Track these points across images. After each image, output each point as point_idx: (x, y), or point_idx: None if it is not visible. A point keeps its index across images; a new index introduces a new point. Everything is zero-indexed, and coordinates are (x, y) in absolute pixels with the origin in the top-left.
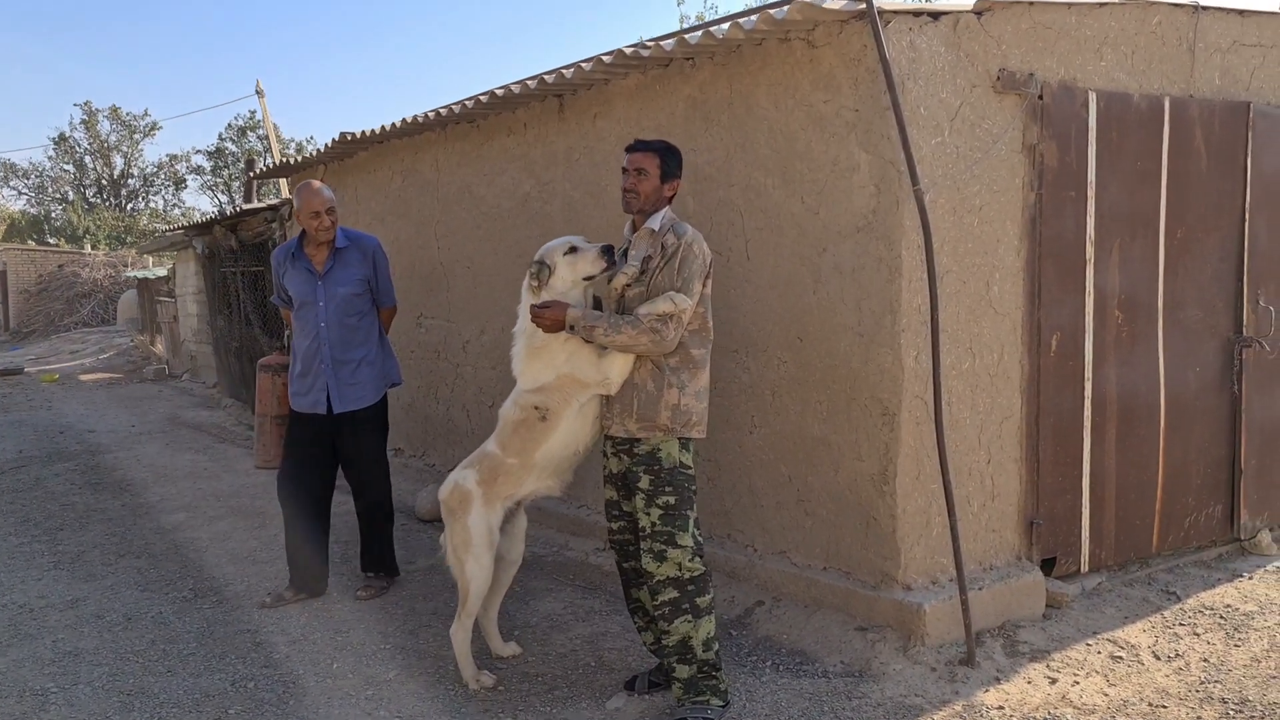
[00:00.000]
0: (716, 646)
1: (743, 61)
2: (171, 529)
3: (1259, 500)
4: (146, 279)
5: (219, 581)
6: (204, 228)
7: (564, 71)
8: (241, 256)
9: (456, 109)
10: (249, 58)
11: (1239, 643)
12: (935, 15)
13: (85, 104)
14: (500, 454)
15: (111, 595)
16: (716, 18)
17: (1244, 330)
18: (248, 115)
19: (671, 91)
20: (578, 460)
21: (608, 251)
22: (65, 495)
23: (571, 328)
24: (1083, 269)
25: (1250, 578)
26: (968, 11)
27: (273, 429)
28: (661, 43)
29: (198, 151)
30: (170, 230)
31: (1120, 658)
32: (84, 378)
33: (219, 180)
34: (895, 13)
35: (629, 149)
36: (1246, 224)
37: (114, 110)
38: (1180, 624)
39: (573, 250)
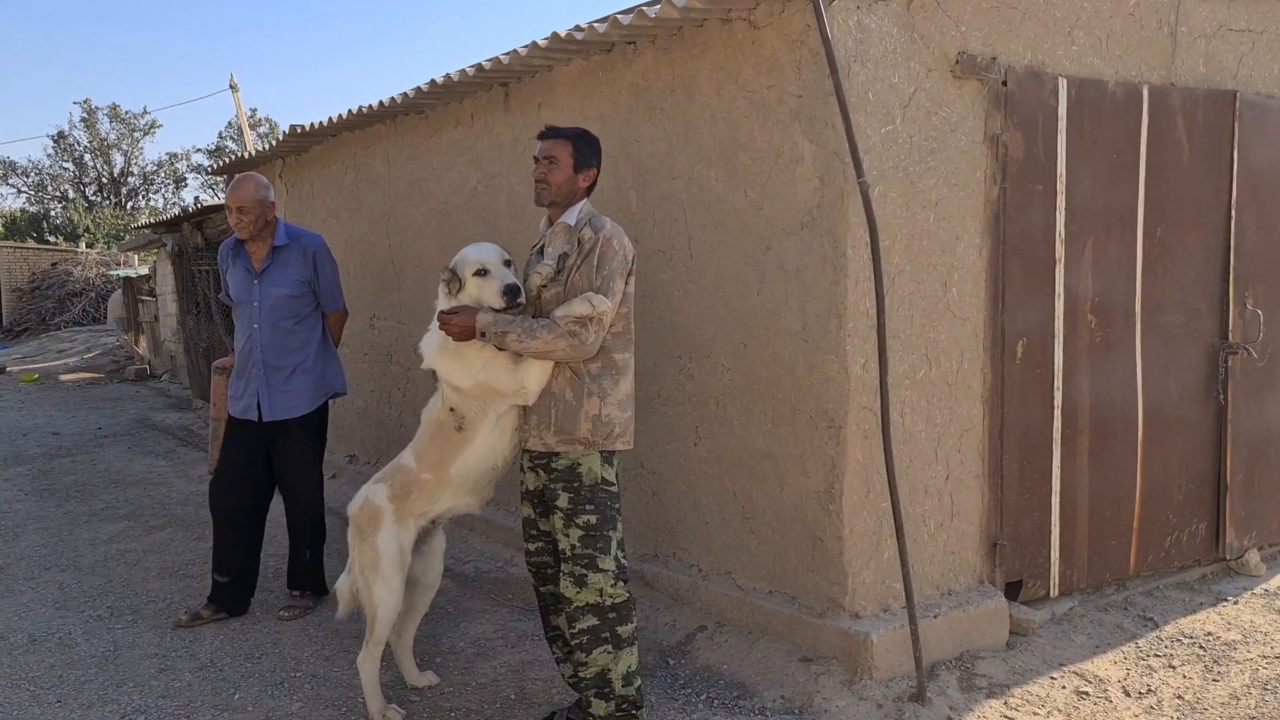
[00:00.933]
0: (638, 682)
1: (684, 45)
2: (108, 539)
3: (1246, 517)
4: (130, 278)
5: (142, 598)
6: (173, 225)
7: (502, 58)
8: (207, 254)
9: (400, 99)
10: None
11: (1218, 677)
12: None
13: (85, 102)
14: (415, 467)
15: (24, 613)
16: None
17: (1229, 335)
18: (250, 112)
19: (614, 79)
20: (496, 475)
21: (511, 293)
22: (9, 501)
23: (483, 334)
24: (1052, 269)
25: (1235, 602)
26: None
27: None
28: (598, 24)
29: (198, 150)
30: (139, 227)
31: (1087, 693)
32: (64, 377)
33: (220, 179)
34: None
35: (540, 136)
36: (1233, 221)
37: (114, 108)
38: (1155, 654)
39: (483, 273)
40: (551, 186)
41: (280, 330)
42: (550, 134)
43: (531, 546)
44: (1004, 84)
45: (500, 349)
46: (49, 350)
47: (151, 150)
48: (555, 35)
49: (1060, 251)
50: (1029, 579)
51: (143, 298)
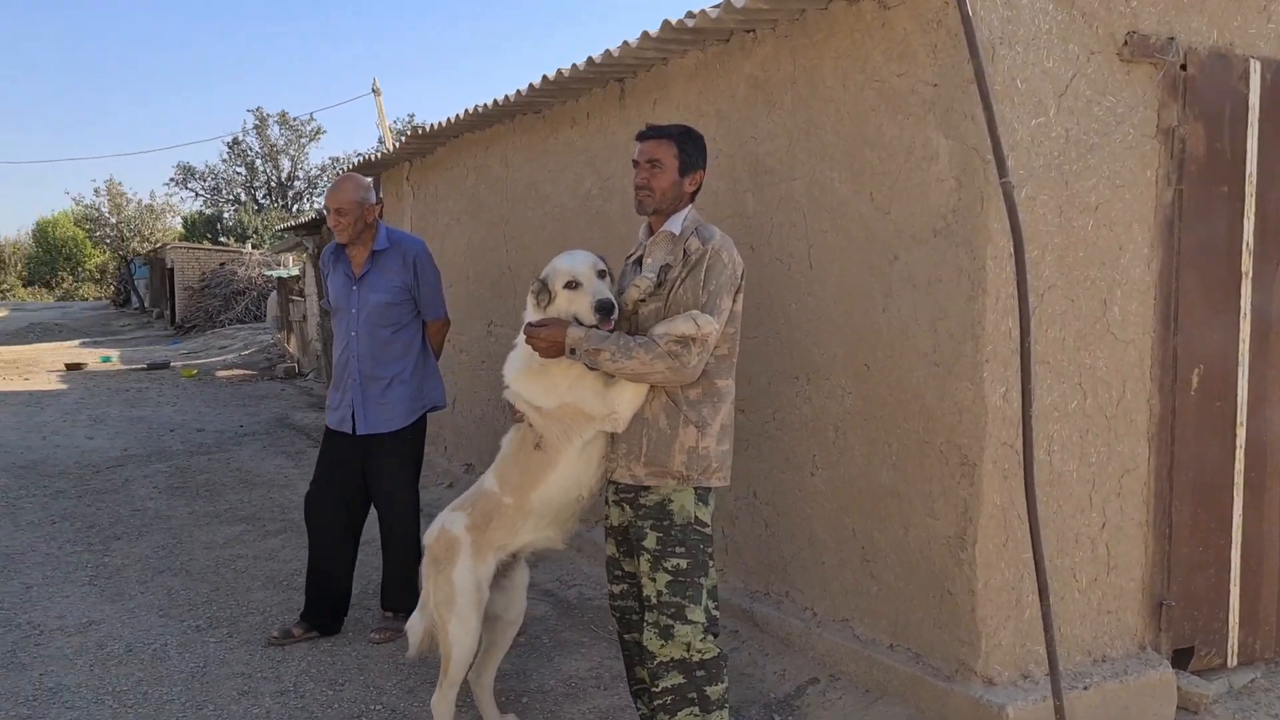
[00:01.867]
0: None
1: (807, 31)
2: (223, 543)
3: None
4: (283, 278)
5: (243, 608)
6: (313, 227)
7: (613, 51)
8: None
9: (514, 97)
10: (413, 57)
11: None
12: None
13: (257, 109)
14: (497, 491)
15: (128, 620)
16: None
17: None
18: (406, 118)
19: (732, 70)
20: (581, 507)
21: (603, 310)
22: (142, 499)
23: (572, 351)
24: (1237, 285)
25: None
26: None
27: None
28: (712, 10)
29: (358, 154)
30: (283, 230)
31: None
32: (220, 374)
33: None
34: None
35: (639, 136)
36: None
37: (283, 115)
38: None
39: (574, 285)
40: (655, 193)
41: (378, 339)
42: (651, 134)
43: (615, 589)
44: (1182, 68)
45: (591, 368)
46: (212, 346)
47: (316, 155)
48: (667, 23)
49: (1248, 264)
50: (1201, 645)
51: (293, 298)
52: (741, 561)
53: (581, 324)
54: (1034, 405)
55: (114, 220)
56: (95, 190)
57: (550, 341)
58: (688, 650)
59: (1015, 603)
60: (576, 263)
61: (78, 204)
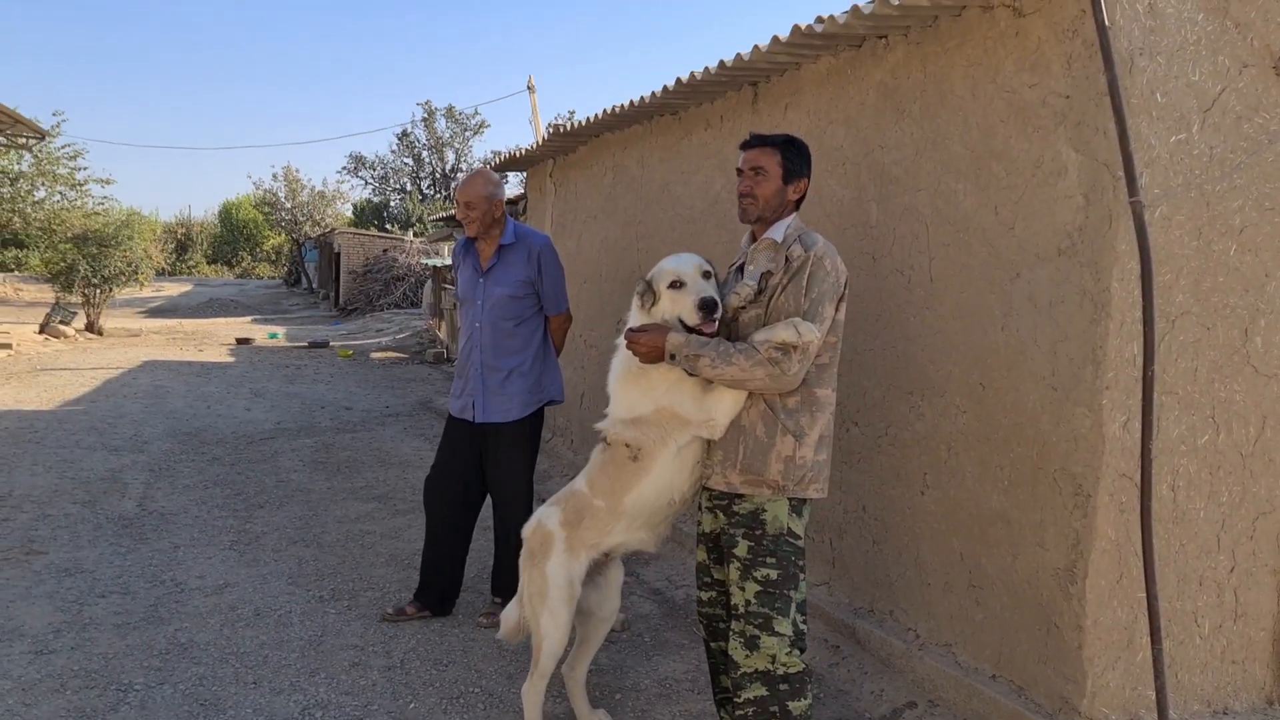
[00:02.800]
0: None
1: (938, 38)
2: (355, 518)
3: None
4: (437, 266)
5: (364, 583)
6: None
7: (744, 55)
8: None
9: (649, 99)
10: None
11: None
12: None
13: (426, 103)
14: (587, 493)
15: (259, 585)
16: None
17: None
18: (567, 114)
19: (863, 77)
20: (674, 511)
21: (706, 307)
22: (287, 471)
23: (672, 357)
24: None
25: None
26: None
27: None
28: (841, 16)
29: (520, 149)
30: (434, 220)
31: None
32: (374, 355)
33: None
34: None
35: (744, 145)
36: None
37: (449, 109)
38: None
39: (678, 285)
40: (759, 200)
41: (500, 330)
42: (755, 142)
43: (704, 595)
44: None
45: (691, 374)
46: (370, 329)
47: (479, 148)
48: (797, 29)
49: None
50: None
51: (445, 285)
52: (848, 576)
53: (685, 325)
54: (1157, 437)
55: (289, 205)
56: (274, 176)
57: (650, 346)
58: (772, 662)
59: (1127, 643)
60: (682, 263)
61: (257, 188)
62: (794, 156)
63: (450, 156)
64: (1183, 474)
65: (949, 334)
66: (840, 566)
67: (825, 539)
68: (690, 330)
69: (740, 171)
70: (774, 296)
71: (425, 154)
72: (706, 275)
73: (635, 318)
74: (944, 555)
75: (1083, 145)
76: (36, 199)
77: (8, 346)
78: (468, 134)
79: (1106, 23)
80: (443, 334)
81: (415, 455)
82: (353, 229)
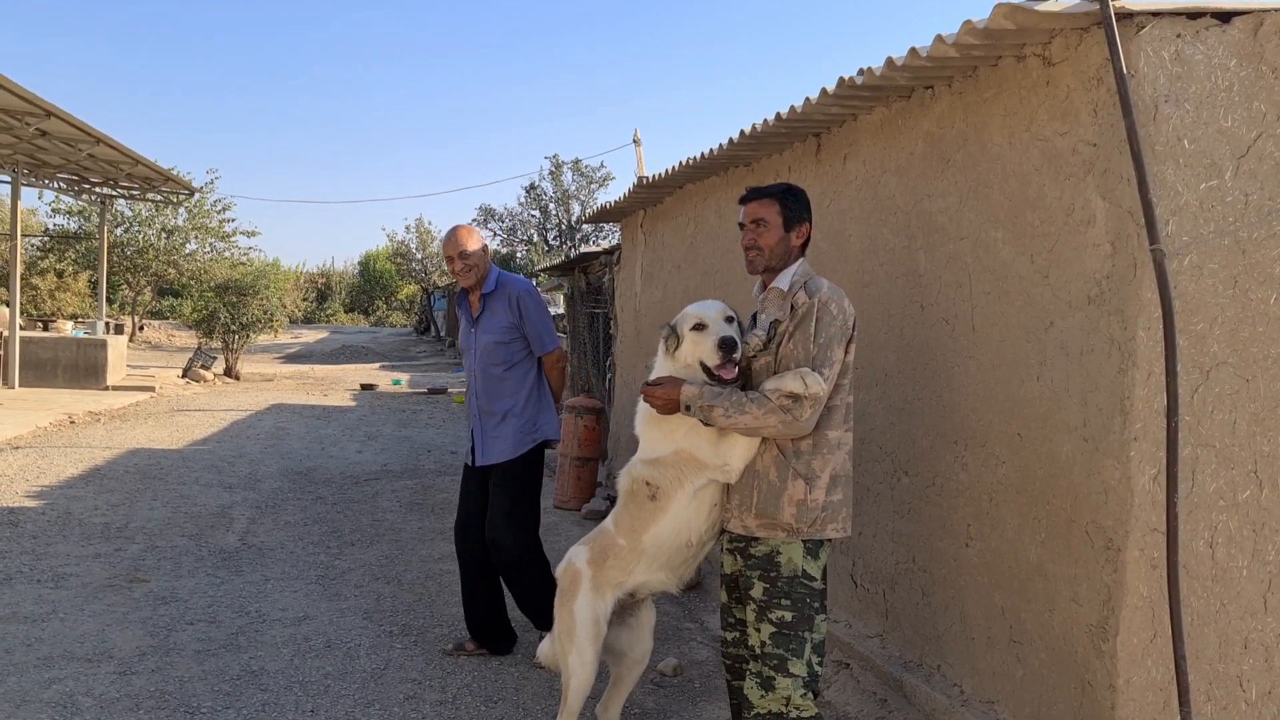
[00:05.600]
0: None
1: (978, 88)
2: (437, 558)
3: None
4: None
5: (433, 619)
6: (567, 269)
7: (796, 107)
8: (588, 296)
9: (717, 151)
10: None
11: None
12: (1224, 17)
13: (553, 156)
14: (613, 531)
15: (336, 619)
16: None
17: None
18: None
19: (912, 127)
20: (692, 553)
21: (726, 347)
22: (384, 511)
23: (688, 408)
24: None
25: None
26: (1278, 11)
27: (571, 469)
28: (879, 68)
29: (609, 202)
30: (540, 270)
31: None
32: None
33: (607, 227)
34: (1155, 14)
35: (742, 200)
36: None
37: (576, 163)
38: None
39: (700, 327)
40: (765, 251)
41: (491, 376)
42: (753, 195)
43: (728, 636)
44: None
45: (706, 424)
46: None
47: (604, 198)
48: (842, 80)
49: None
50: None
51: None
52: (900, 629)
53: (706, 369)
54: (1193, 492)
55: (419, 255)
56: (406, 228)
57: (666, 399)
58: (786, 704)
59: (1163, 705)
60: (705, 308)
61: (390, 240)
62: (792, 204)
63: (575, 208)
64: (1222, 530)
65: (989, 383)
66: (893, 619)
67: (879, 590)
68: (711, 375)
69: (742, 225)
70: (782, 343)
71: (552, 206)
72: (729, 320)
73: (660, 362)
74: (987, 609)
75: (1109, 193)
76: (188, 251)
77: (150, 389)
78: (593, 186)
79: (1125, 70)
80: None
81: None
82: None
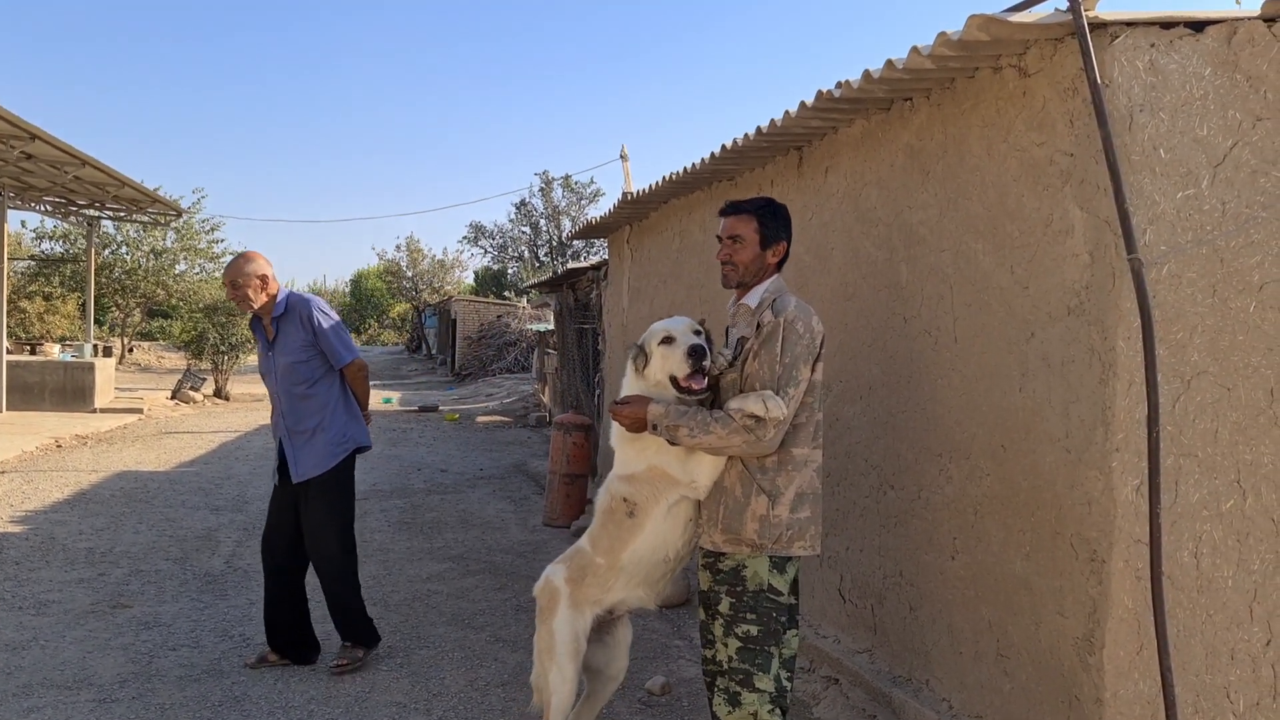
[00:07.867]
0: None
1: (956, 100)
2: (425, 578)
3: None
4: (542, 332)
5: (419, 642)
6: (555, 285)
7: (776, 120)
8: (576, 313)
9: (699, 165)
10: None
11: None
12: (1197, 26)
13: (543, 173)
14: (590, 550)
15: (321, 642)
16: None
17: None
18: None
19: (892, 139)
20: (669, 569)
21: (695, 355)
22: (372, 532)
23: (654, 426)
24: None
25: None
26: (1253, 18)
27: (560, 486)
28: (855, 81)
29: (594, 218)
30: (528, 287)
31: None
32: (480, 419)
33: (592, 241)
34: (1128, 24)
35: (722, 212)
36: None
37: (566, 179)
38: None
39: (668, 341)
40: (739, 267)
41: (294, 396)
42: (731, 209)
43: (707, 653)
44: None
45: (672, 444)
46: (481, 394)
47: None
48: (820, 93)
49: None
50: None
51: (548, 350)
52: (888, 644)
53: (676, 384)
54: (1176, 502)
55: (410, 273)
56: (396, 246)
57: (633, 418)
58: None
59: (1151, 718)
60: (672, 323)
61: (380, 258)
62: (770, 221)
63: (566, 224)
64: (1206, 540)
65: (972, 395)
66: (881, 634)
67: (867, 605)
68: (680, 388)
69: (720, 239)
70: (747, 361)
71: (543, 222)
72: (697, 333)
73: (628, 380)
74: (974, 623)
75: (1086, 203)
76: (178, 272)
77: (138, 411)
78: (584, 201)
79: (1100, 80)
80: (546, 398)
81: (497, 517)
82: (468, 296)
